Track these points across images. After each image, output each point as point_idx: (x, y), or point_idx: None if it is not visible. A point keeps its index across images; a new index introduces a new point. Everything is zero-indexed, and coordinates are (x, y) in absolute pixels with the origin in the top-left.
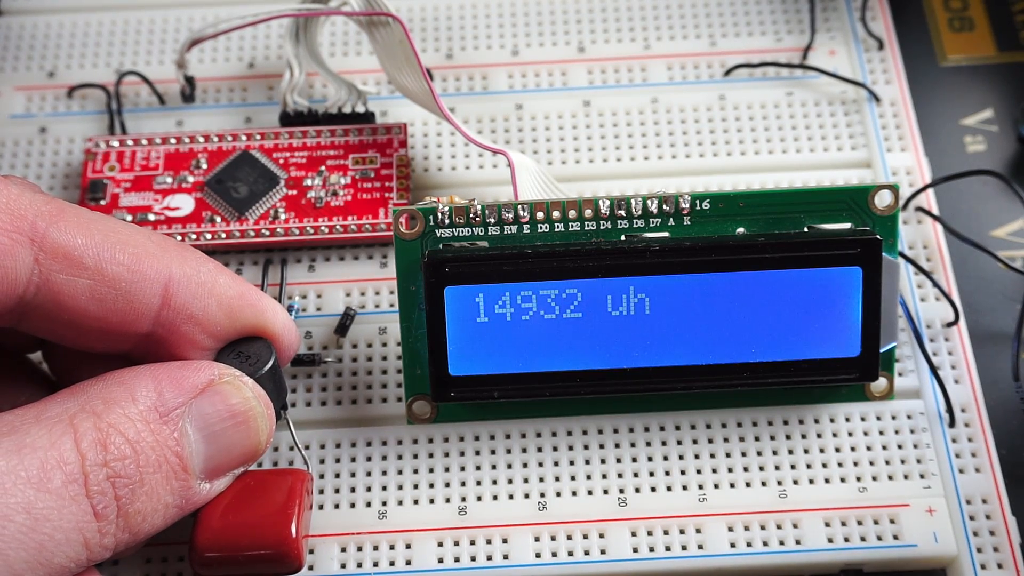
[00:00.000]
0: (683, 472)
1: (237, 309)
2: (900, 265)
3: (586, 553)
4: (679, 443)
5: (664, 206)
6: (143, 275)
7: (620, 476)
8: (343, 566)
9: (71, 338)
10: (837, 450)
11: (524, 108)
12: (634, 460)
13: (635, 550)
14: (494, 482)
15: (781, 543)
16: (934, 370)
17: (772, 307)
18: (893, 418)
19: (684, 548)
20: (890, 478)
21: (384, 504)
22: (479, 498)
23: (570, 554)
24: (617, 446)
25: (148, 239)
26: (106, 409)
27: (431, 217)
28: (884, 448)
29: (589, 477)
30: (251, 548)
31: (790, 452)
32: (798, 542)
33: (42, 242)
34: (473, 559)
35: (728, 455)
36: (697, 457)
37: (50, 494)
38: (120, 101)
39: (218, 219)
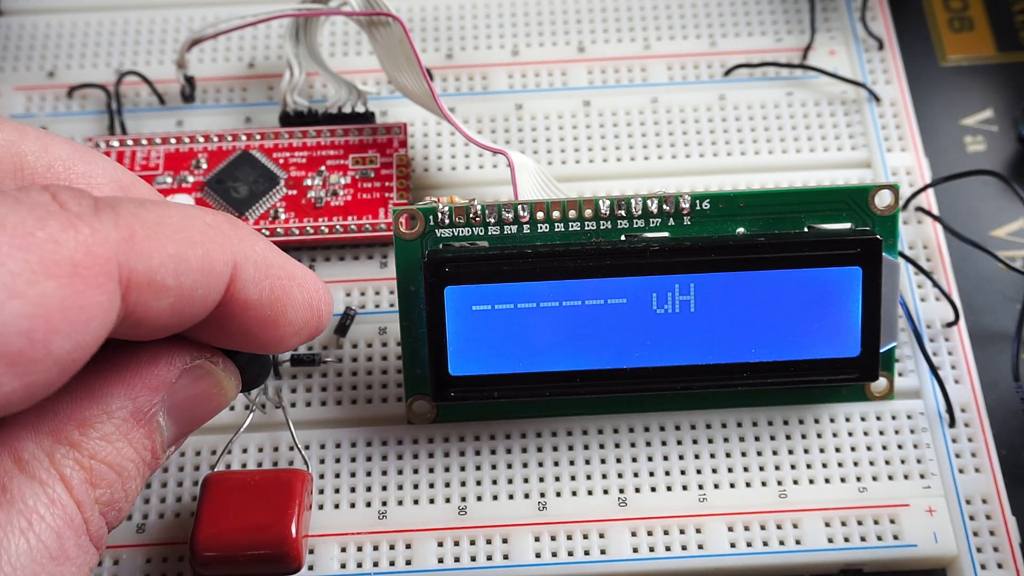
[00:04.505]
0: (683, 472)
1: (279, 290)
2: (900, 265)
3: (586, 553)
4: (679, 443)
5: (664, 206)
6: (213, 273)
7: (620, 476)
8: (343, 566)
9: (135, 337)
10: (837, 450)
11: (524, 108)
12: (634, 460)
13: (635, 550)
14: (494, 482)
15: (781, 543)
16: (934, 370)
17: (772, 307)
18: (893, 418)
19: (684, 548)
20: (890, 478)
21: (384, 504)
22: (479, 498)
23: (570, 554)
24: (617, 446)
25: (206, 225)
26: (83, 437)
27: (431, 217)
28: (884, 448)
29: (589, 477)
30: (251, 548)
31: (790, 452)
32: (798, 542)
33: (128, 280)
34: (473, 559)
35: (728, 455)
36: (697, 457)
37: (69, 561)
38: (120, 101)
39: None
